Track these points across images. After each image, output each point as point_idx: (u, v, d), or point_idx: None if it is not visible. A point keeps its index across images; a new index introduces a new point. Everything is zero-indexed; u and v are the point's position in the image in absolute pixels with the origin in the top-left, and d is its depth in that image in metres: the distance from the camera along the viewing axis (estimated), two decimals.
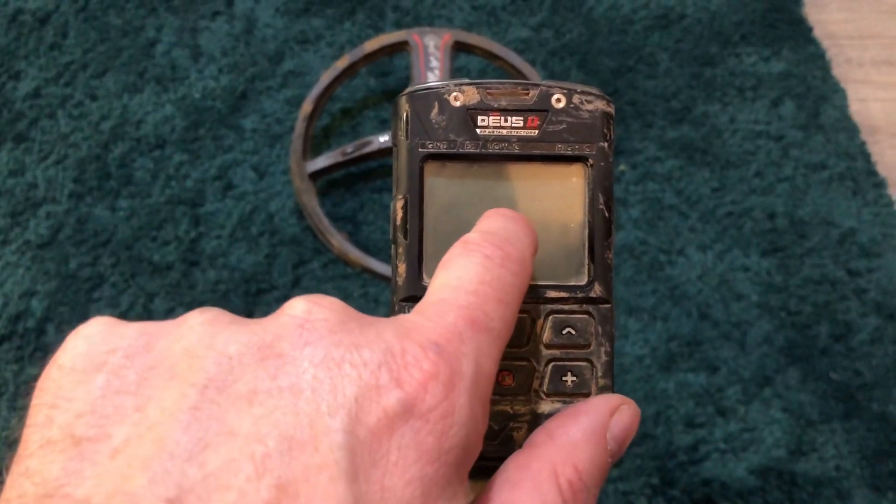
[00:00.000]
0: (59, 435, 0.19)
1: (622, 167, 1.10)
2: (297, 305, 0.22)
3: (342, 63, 1.08)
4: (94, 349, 0.21)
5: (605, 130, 0.30)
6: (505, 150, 0.30)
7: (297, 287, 0.99)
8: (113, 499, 0.17)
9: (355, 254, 0.99)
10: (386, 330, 0.21)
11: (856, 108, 1.16)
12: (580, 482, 0.24)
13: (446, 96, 0.30)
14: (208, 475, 0.17)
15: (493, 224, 0.26)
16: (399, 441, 0.19)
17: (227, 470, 0.18)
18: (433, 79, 1.06)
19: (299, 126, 1.06)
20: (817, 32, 1.22)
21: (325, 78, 1.07)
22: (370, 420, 0.19)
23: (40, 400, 0.20)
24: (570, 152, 0.30)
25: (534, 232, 0.27)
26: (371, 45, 1.08)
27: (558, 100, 0.30)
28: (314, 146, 1.09)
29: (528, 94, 0.30)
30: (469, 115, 0.30)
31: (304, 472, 0.18)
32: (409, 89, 0.30)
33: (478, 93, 0.30)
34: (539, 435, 0.26)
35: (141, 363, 0.20)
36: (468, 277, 0.24)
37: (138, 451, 0.18)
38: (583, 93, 0.30)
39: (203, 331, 0.21)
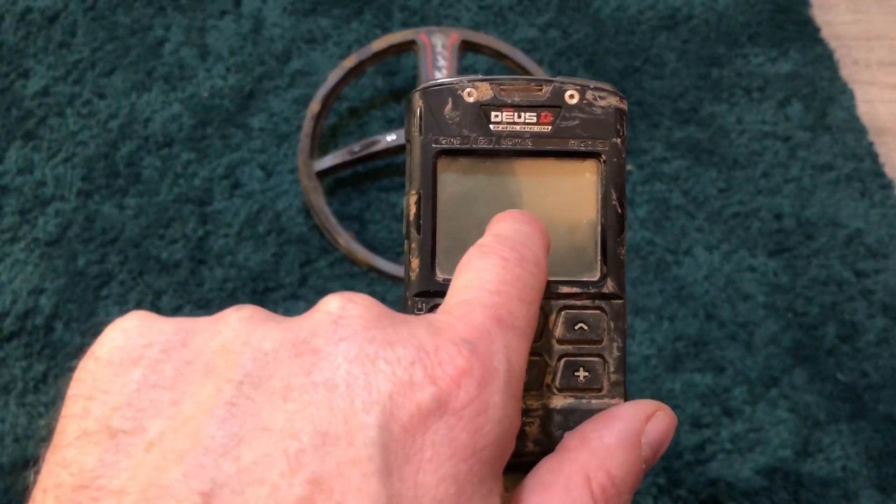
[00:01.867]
0: (96, 426, 0.19)
1: (629, 167, 1.10)
2: (332, 302, 0.22)
3: (349, 62, 1.08)
4: (131, 342, 0.21)
5: (619, 126, 0.30)
6: (518, 146, 0.30)
7: (303, 286, 0.99)
8: (148, 491, 0.18)
9: (362, 253, 1.00)
10: (418, 328, 0.22)
11: (863, 109, 1.16)
12: (613, 488, 0.24)
13: (460, 92, 0.30)
14: (242, 469, 0.18)
15: (505, 227, 0.27)
16: (433, 437, 0.19)
17: (260, 464, 0.18)
18: (441, 78, 1.06)
19: (307, 125, 1.06)
20: (825, 33, 1.22)
21: (333, 77, 1.08)
22: (404, 416, 0.19)
23: (77, 391, 0.21)
24: (583, 148, 0.30)
25: (545, 233, 0.28)
26: (378, 44, 1.09)
27: (571, 96, 0.30)
28: (321, 145, 1.09)
29: (541, 90, 0.30)
30: (482, 111, 0.30)
31: (338, 467, 0.18)
32: (422, 85, 0.30)
33: (491, 89, 0.30)
34: (573, 439, 0.26)
35: (177, 358, 0.21)
36: (489, 278, 0.24)
37: (173, 445, 0.18)
38: (596, 89, 0.30)
39: (239, 327, 0.21)
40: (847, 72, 1.20)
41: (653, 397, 0.97)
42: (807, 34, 1.22)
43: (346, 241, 1.00)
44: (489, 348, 0.22)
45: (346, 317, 0.21)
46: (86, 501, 0.18)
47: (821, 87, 1.17)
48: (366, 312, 0.21)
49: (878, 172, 1.11)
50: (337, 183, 1.09)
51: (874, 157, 1.12)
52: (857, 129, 1.14)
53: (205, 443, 0.18)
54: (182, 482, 0.17)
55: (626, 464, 0.25)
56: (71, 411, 0.20)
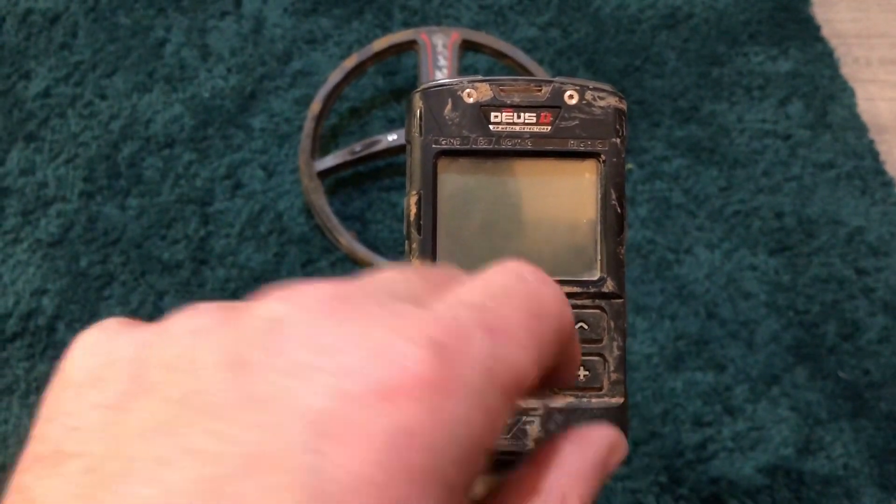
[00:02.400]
0: (49, 451, 0.19)
1: (630, 166, 1.10)
2: (268, 306, 0.19)
3: (350, 62, 1.08)
4: (91, 362, 0.20)
5: (618, 126, 0.30)
6: (518, 147, 0.30)
7: None
8: None
9: (363, 252, 1.00)
10: (375, 325, 0.19)
11: (864, 108, 1.16)
12: None
13: (460, 93, 0.30)
14: (161, 495, 0.16)
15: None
16: (377, 457, 0.17)
17: (182, 491, 0.16)
18: (441, 78, 1.06)
19: (308, 125, 1.06)
20: (825, 31, 1.22)
21: (334, 77, 1.08)
22: (343, 434, 0.17)
23: (42, 412, 0.20)
24: (582, 148, 0.30)
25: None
26: (379, 44, 1.09)
27: (571, 96, 0.30)
28: (322, 145, 1.09)
29: (540, 90, 0.30)
30: (482, 111, 0.30)
31: (267, 493, 0.16)
32: (422, 86, 0.31)
33: (491, 89, 0.30)
34: (550, 455, 0.24)
35: (126, 375, 0.19)
36: (492, 282, 0.21)
37: (107, 470, 0.18)
38: (595, 89, 0.30)
39: (185, 342, 0.19)
40: (848, 70, 1.20)
41: (654, 396, 0.97)
42: (807, 32, 1.22)
43: (347, 240, 1.00)
44: (462, 351, 0.18)
45: (281, 321, 0.19)
46: None
47: (821, 86, 1.17)
48: (303, 313, 0.19)
49: (878, 170, 1.11)
50: (338, 183, 1.09)
51: (875, 155, 1.12)
52: (857, 127, 1.14)
53: (131, 466, 0.17)
54: None
55: (593, 491, 0.24)
56: (34, 433, 0.20)
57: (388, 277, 0.22)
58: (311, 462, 0.16)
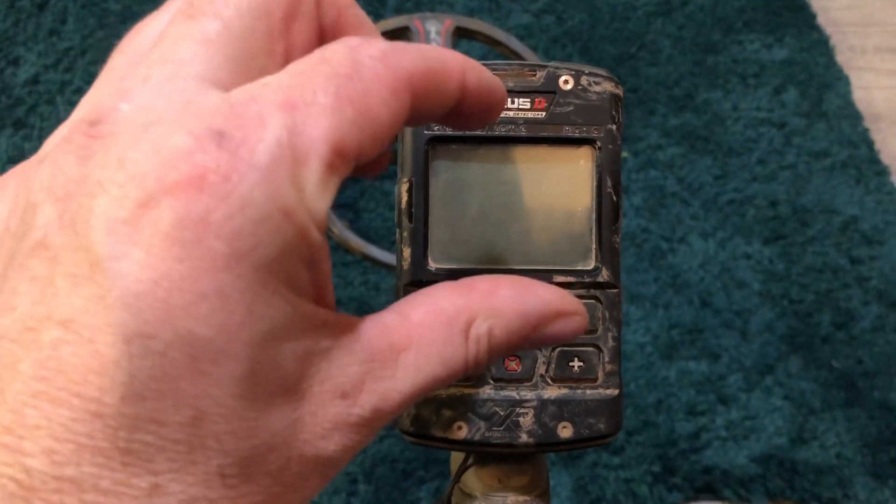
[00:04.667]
0: None
1: (624, 154, 1.09)
2: (62, 128, 0.21)
3: None
4: None
5: (614, 112, 0.30)
6: (511, 133, 0.29)
7: None
8: None
9: (356, 241, 0.99)
10: (159, 123, 0.19)
11: (859, 96, 1.16)
12: (486, 345, 0.22)
13: None
14: (14, 321, 0.18)
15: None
16: (179, 253, 0.17)
17: (26, 313, 0.18)
18: None
19: None
20: (821, 19, 1.22)
21: None
22: (143, 238, 0.17)
23: None
24: (577, 135, 0.30)
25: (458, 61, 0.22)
26: None
27: (566, 81, 0.30)
28: None
29: (535, 75, 0.30)
30: None
31: (84, 304, 0.17)
32: None
33: None
34: (485, 282, 0.23)
35: None
36: (302, 62, 0.20)
37: None
38: (591, 74, 0.30)
39: (18, 170, 0.21)
40: (843, 58, 1.19)
41: (648, 385, 0.97)
42: (803, 20, 1.21)
43: (339, 229, 0.99)
44: (249, 136, 0.18)
45: (81, 144, 0.19)
46: None
47: (816, 74, 1.17)
48: (93, 130, 0.19)
49: (873, 159, 1.11)
50: None
51: (870, 143, 1.12)
52: (852, 115, 1.14)
53: None
54: None
55: (512, 338, 0.23)
56: None
57: (198, 50, 0.21)
58: (116, 269, 0.17)
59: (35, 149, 1.04)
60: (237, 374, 0.18)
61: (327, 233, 0.21)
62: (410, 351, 0.21)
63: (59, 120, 1.08)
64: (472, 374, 0.25)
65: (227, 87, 0.20)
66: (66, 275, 0.18)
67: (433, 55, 0.21)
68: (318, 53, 0.20)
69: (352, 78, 0.20)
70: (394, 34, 1.09)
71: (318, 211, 0.20)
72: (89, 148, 0.19)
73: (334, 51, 0.20)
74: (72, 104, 1.09)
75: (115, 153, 0.18)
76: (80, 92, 1.10)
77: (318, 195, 0.20)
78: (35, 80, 1.11)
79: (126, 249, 0.17)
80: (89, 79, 1.11)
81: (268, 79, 0.20)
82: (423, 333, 0.21)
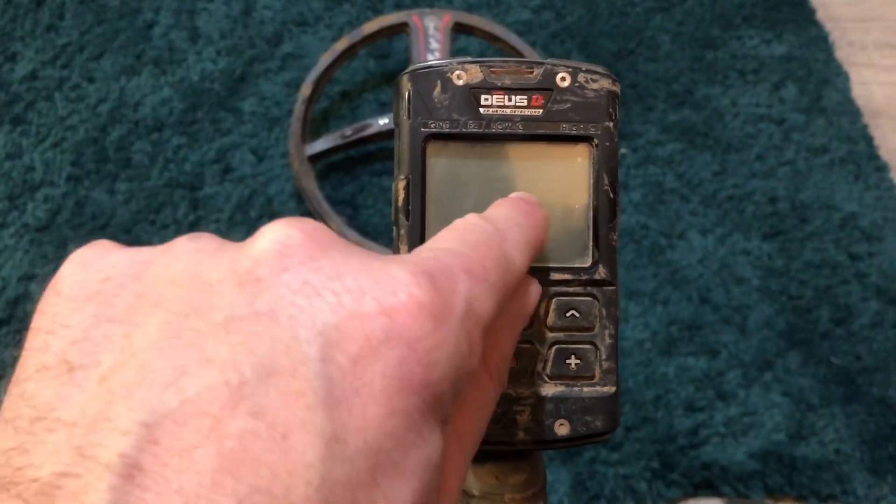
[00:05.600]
0: (54, 361, 0.20)
1: (623, 150, 1.09)
2: (277, 230, 0.21)
3: (341, 45, 1.07)
4: (88, 277, 0.21)
5: (611, 110, 0.30)
6: (508, 130, 0.29)
7: None
8: (96, 423, 0.18)
9: (354, 237, 0.99)
10: (373, 259, 0.21)
11: (858, 92, 1.16)
12: (504, 367, 0.25)
13: (449, 75, 0.29)
14: (185, 402, 0.17)
15: (498, 211, 0.26)
16: (382, 370, 0.18)
17: (203, 397, 0.17)
18: (431, 61, 1.06)
19: (298, 109, 1.05)
20: (820, 15, 1.22)
21: (324, 60, 1.06)
22: (352, 347, 0.18)
23: (39, 324, 0.21)
24: (574, 132, 0.29)
25: (542, 224, 0.27)
26: (370, 26, 1.08)
27: (563, 78, 0.29)
28: (313, 129, 1.08)
29: (532, 72, 0.29)
30: (472, 94, 0.29)
31: (281, 399, 0.17)
32: (411, 68, 0.30)
33: (481, 71, 0.29)
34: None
35: (131, 291, 0.20)
36: (468, 237, 0.23)
37: (123, 378, 0.18)
38: (588, 71, 0.30)
39: (188, 259, 0.21)
40: (842, 54, 1.19)
41: (646, 381, 0.97)
42: (802, 16, 1.21)
43: (338, 225, 0.99)
44: (450, 286, 0.21)
45: (289, 245, 0.20)
46: (41, 433, 0.18)
47: (816, 70, 1.17)
48: (311, 241, 0.20)
49: (872, 155, 1.11)
50: (329, 167, 1.08)
51: (869, 139, 1.12)
52: (851, 111, 1.14)
53: (150, 376, 0.18)
54: (126, 415, 0.17)
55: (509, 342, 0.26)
56: (32, 345, 0.20)
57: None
58: (322, 372, 0.18)
59: (33, 146, 1.04)
60: (406, 491, 0.19)
61: None
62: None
63: (57, 117, 1.08)
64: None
65: None
66: (258, 365, 0.18)
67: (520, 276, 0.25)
68: (477, 232, 0.24)
69: (506, 272, 0.23)
70: (392, 30, 1.09)
71: (474, 364, 0.22)
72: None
73: (489, 234, 0.24)
74: (70, 100, 1.09)
75: (333, 266, 0.20)
76: (79, 88, 1.10)
77: (477, 353, 0.22)
78: (33, 76, 1.10)
79: (333, 354, 0.18)
80: (88, 75, 1.11)
81: (442, 243, 0.23)
82: None
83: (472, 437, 0.24)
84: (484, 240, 0.23)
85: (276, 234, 0.20)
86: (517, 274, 0.24)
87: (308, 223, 0.21)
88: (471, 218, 0.25)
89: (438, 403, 0.20)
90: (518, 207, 0.26)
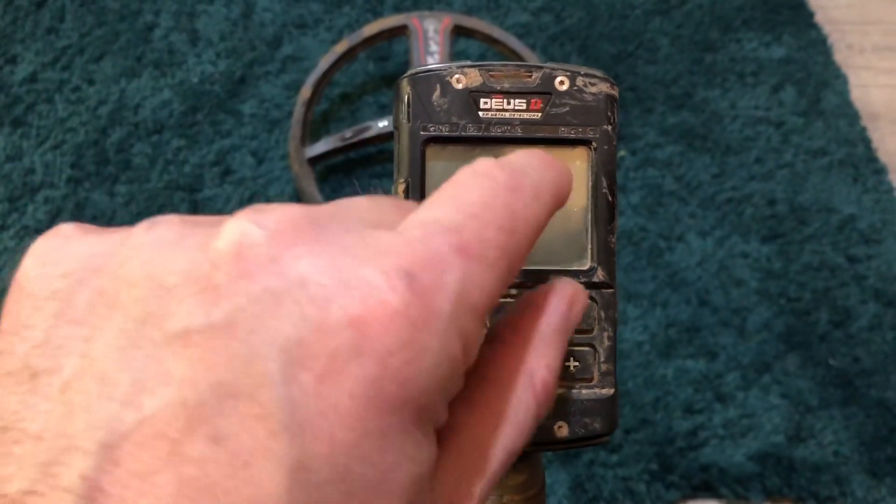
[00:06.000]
0: (19, 366, 0.19)
1: (622, 153, 1.09)
2: (234, 226, 0.18)
3: (341, 48, 1.07)
4: (47, 272, 0.20)
5: (609, 113, 0.30)
6: (508, 134, 0.30)
7: None
8: (59, 440, 0.17)
9: None
10: (345, 254, 0.18)
11: (857, 95, 1.16)
12: (551, 379, 0.22)
13: (448, 79, 0.29)
14: (142, 421, 0.16)
15: (515, 157, 0.23)
16: (352, 388, 0.17)
17: (160, 417, 0.16)
18: (433, 63, 1.06)
19: (298, 111, 1.05)
20: (819, 18, 1.22)
21: (324, 63, 1.07)
22: (316, 365, 0.17)
23: (4, 325, 0.20)
24: (573, 135, 0.30)
25: (564, 177, 0.24)
26: (370, 29, 1.08)
27: (562, 82, 0.30)
28: (313, 131, 1.08)
29: (531, 76, 0.30)
30: (471, 97, 0.30)
31: (242, 424, 0.16)
32: (410, 71, 0.30)
33: (480, 75, 0.30)
34: (508, 330, 0.23)
35: (90, 288, 0.19)
36: (468, 199, 0.20)
37: (84, 388, 0.17)
38: (586, 75, 0.30)
39: (144, 255, 0.19)
40: (841, 56, 1.19)
41: (645, 383, 0.97)
42: (801, 19, 1.21)
43: None
44: (435, 282, 0.18)
45: (247, 245, 0.18)
46: (9, 443, 0.18)
47: (814, 72, 1.17)
48: (273, 239, 0.18)
49: (871, 158, 1.11)
50: (329, 169, 1.08)
51: (867, 142, 1.12)
52: (850, 114, 1.14)
53: (109, 389, 0.17)
54: (86, 432, 0.17)
55: (560, 352, 0.23)
56: (0, 348, 0.19)
57: (360, 203, 0.21)
58: (284, 394, 0.16)
59: (33, 148, 1.04)
60: None
61: None
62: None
63: (57, 119, 1.08)
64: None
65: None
66: (217, 384, 0.17)
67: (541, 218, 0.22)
68: (476, 190, 0.21)
69: (514, 233, 0.21)
70: (392, 33, 1.09)
71: (472, 358, 0.20)
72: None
73: (492, 189, 0.21)
74: (70, 102, 1.09)
75: (297, 270, 0.18)
76: (79, 90, 1.10)
77: (476, 344, 0.20)
78: (33, 78, 1.11)
79: (296, 373, 0.17)
80: (88, 77, 1.11)
81: (437, 211, 0.20)
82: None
83: (484, 449, 0.21)
84: (488, 198, 0.21)
85: (233, 234, 0.18)
86: (529, 234, 0.21)
87: (274, 212, 0.19)
88: (479, 166, 0.22)
89: (422, 415, 0.18)
90: (539, 156, 0.24)
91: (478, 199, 0.20)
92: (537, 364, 0.22)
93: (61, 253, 0.20)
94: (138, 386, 0.17)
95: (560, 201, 0.23)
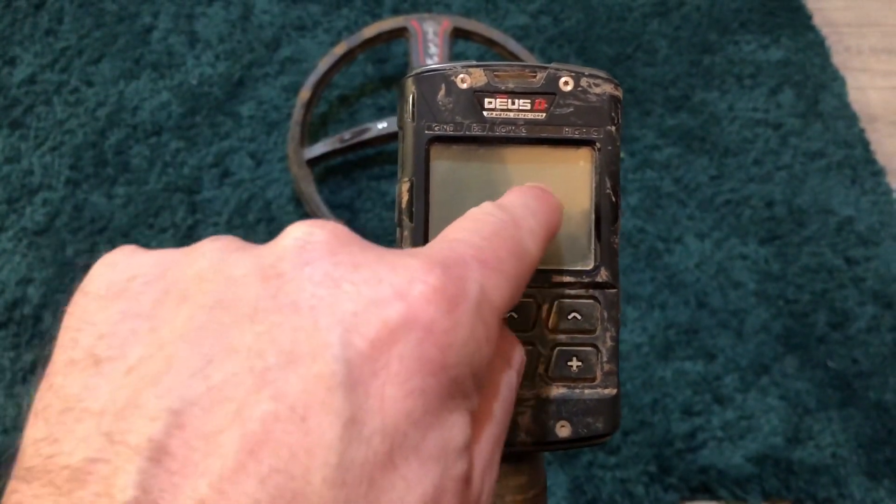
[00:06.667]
0: (82, 355, 0.20)
1: (621, 155, 1.09)
2: (299, 228, 0.22)
3: (340, 49, 1.07)
4: (115, 277, 0.22)
5: (613, 114, 0.30)
6: (512, 133, 0.30)
7: None
8: (125, 410, 0.19)
9: None
10: (389, 252, 0.22)
11: (855, 97, 1.16)
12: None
13: (453, 78, 0.30)
14: (211, 388, 0.18)
15: (512, 198, 0.27)
16: (400, 352, 0.19)
17: (229, 383, 0.18)
18: (433, 64, 1.06)
19: (297, 113, 1.05)
20: (817, 20, 1.22)
21: (323, 65, 1.07)
22: (369, 332, 0.19)
23: (67, 324, 0.22)
24: (577, 136, 0.30)
25: (556, 210, 0.27)
26: (369, 31, 1.08)
27: (566, 83, 0.30)
28: (312, 133, 1.08)
29: (535, 76, 0.30)
30: (476, 97, 0.30)
31: (302, 383, 0.18)
32: (415, 70, 0.30)
33: (485, 75, 0.30)
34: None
35: (157, 288, 0.21)
36: (481, 229, 0.24)
37: (150, 369, 0.19)
38: (591, 76, 0.30)
39: (213, 256, 0.22)
40: (839, 59, 1.20)
41: (644, 385, 0.97)
42: (799, 21, 1.22)
43: None
44: (463, 273, 0.21)
45: (311, 242, 0.21)
46: (70, 422, 0.19)
47: (812, 74, 1.17)
48: (332, 238, 0.21)
49: (869, 160, 1.11)
50: (327, 171, 1.08)
51: (865, 144, 1.12)
52: (848, 116, 1.14)
53: (177, 365, 0.19)
54: (154, 402, 0.18)
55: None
56: (61, 342, 0.21)
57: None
58: (341, 354, 0.19)
59: (32, 150, 1.04)
60: (425, 475, 0.19)
61: None
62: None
63: (56, 121, 1.08)
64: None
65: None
66: (281, 352, 0.19)
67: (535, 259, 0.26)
68: (491, 221, 0.24)
69: (521, 258, 0.24)
70: (391, 35, 1.09)
71: (489, 353, 0.22)
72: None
73: (504, 223, 0.25)
74: (69, 104, 1.09)
75: (352, 259, 0.21)
76: (77, 92, 1.10)
77: (493, 341, 0.22)
78: (31, 80, 1.11)
79: (352, 339, 0.19)
80: (86, 79, 1.11)
81: (457, 235, 0.23)
82: None
83: (497, 429, 0.24)
84: (498, 229, 0.24)
85: (298, 233, 0.21)
86: (532, 261, 0.25)
87: (328, 223, 0.22)
88: (486, 207, 0.25)
89: (458, 387, 0.20)
90: (532, 194, 0.27)
91: (490, 231, 0.24)
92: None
93: (128, 262, 0.22)
94: (206, 360, 0.19)
95: (554, 229, 0.27)
